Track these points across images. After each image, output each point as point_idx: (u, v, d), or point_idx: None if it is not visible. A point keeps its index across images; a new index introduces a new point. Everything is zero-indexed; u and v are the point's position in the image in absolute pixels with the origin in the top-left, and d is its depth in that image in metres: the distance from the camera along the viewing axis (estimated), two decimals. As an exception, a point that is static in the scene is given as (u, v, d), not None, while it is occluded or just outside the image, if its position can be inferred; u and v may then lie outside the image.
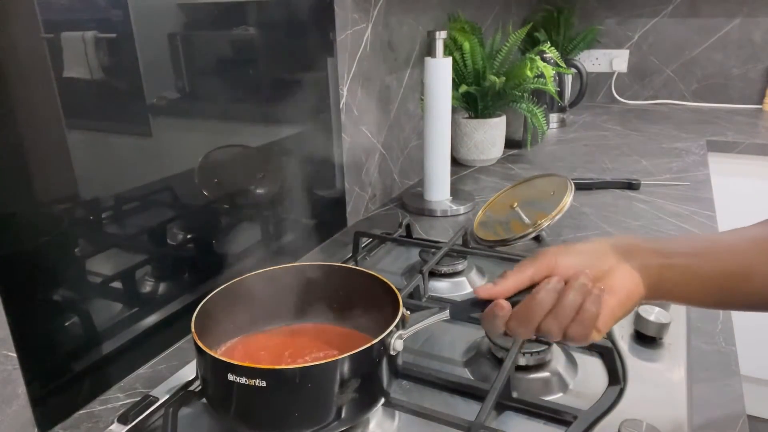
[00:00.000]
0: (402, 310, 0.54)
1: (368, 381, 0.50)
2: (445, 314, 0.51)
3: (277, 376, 0.46)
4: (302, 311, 0.64)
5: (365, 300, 0.61)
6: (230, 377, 0.47)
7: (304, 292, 0.64)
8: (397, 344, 0.51)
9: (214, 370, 0.49)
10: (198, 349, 0.50)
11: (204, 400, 0.59)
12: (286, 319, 0.64)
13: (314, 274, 0.64)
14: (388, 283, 0.58)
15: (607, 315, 0.47)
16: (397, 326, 0.52)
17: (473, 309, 0.50)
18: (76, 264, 0.61)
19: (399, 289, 0.57)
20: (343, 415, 0.49)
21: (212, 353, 0.49)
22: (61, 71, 0.57)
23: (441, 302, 0.80)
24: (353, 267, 0.64)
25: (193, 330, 0.51)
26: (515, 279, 0.48)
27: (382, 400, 0.53)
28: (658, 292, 0.50)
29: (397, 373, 0.55)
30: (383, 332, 0.50)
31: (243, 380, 0.46)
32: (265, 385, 0.46)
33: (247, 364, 0.47)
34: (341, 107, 1.04)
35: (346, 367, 0.48)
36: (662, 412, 0.57)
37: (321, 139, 1.01)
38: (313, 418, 0.49)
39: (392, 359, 0.52)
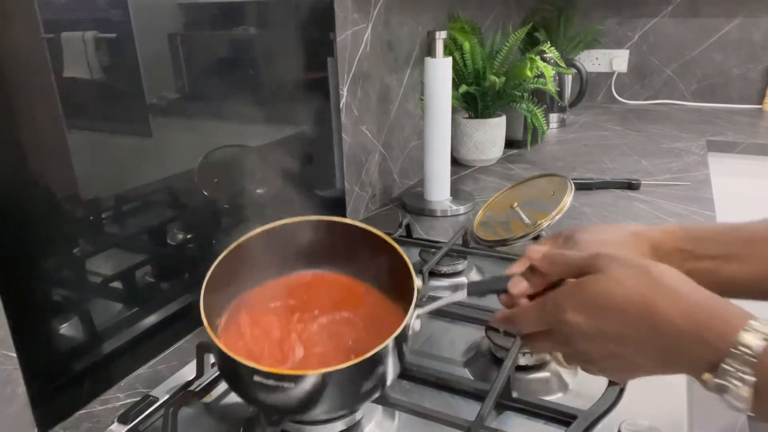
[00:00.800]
0: (416, 282, 0.52)
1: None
2: (463, 294, 0.52)
3: (304, 380, 0.45)
4: (303, 262, 0.62)
5: (371, 255, 0.59)
6: (256, 378, 0.45)
7: (306, 246, 0.62)
8: (416, 324, 0.50)
9: (237, 371, 0.47)
10: (219, 352, 0.47)
11: (204, 400, 0.59)
12: (287, 270, 0.61)
13: (318, 230, 0.63)
14: (399, 251, 0.56)
15: None
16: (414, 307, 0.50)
17: (490, 291, 0.52)
18: (76, 264, 0.61)
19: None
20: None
21: (236, 357, 0.46)
22: (61, 71, 0.57)
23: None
24: (359, 224, 0.61)
25: (207, 327, 0.49)
26: (547, 277, 0.48)
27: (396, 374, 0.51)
28: None
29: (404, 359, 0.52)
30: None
31: (271, 382, 0.45)
32: (293, 386, 0.45)
33: (274, 370, 0.45)
34: (341, 107, 1.03)
35: (367, 365, 0.47)
36: (662, 412, 0.56)
37: (321, 139, 1.01)
38: (333, 408, 0.50)
39: (406, 342, 0.50)
